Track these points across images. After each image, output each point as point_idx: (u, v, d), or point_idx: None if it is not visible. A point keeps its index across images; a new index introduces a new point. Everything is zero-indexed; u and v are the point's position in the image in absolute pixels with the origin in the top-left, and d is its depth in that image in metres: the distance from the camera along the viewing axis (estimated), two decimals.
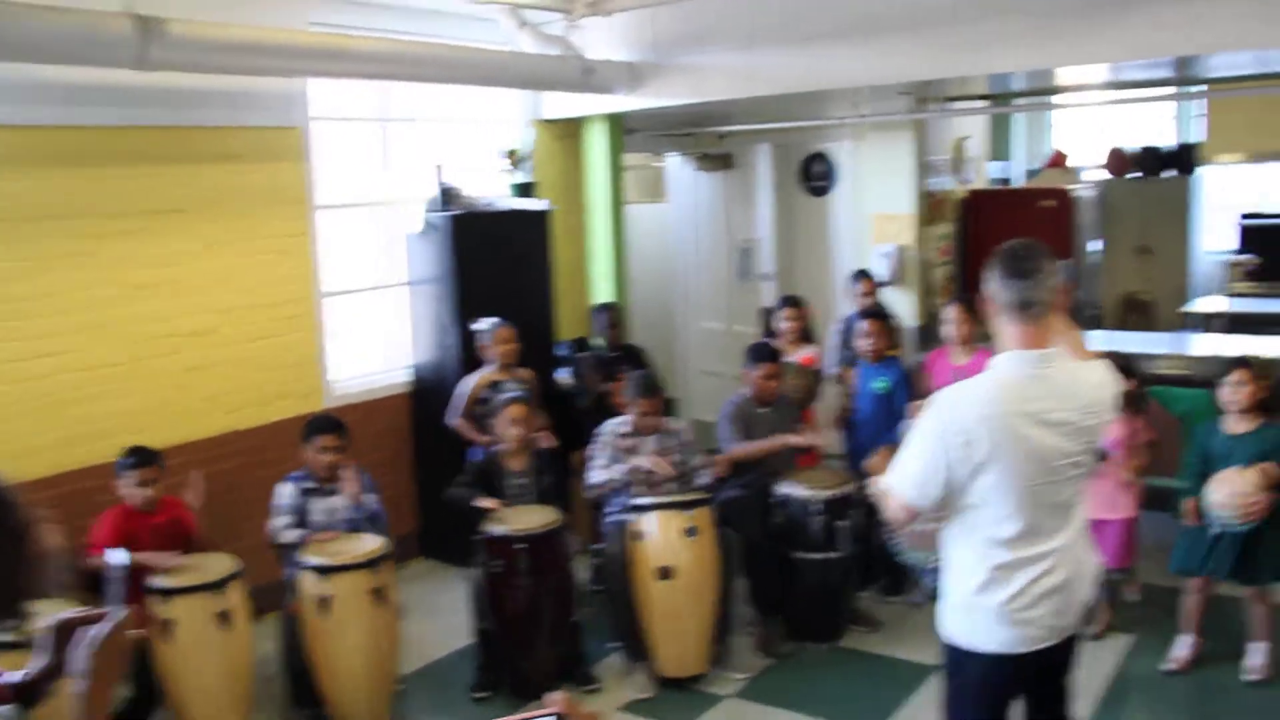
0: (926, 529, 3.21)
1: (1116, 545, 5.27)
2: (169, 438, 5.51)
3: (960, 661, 3.07)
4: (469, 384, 6.20)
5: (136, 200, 5.50)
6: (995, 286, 2.92)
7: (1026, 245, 2.94)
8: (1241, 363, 4.83)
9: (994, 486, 2.86)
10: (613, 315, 6.93)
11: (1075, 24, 5.49)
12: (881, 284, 7.85)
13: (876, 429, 5.76)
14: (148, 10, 4.69)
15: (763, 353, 5.80)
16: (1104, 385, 3.06)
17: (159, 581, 4.48)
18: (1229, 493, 4.64)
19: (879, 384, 5.94)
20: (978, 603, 2.97)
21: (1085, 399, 2.95)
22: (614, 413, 5.82)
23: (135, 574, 4.48)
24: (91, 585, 4.50)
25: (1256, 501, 4.58)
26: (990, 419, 2.83)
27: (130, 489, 4.73)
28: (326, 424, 5.15)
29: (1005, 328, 2.94)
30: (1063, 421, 2.88)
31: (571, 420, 6.61)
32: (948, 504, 2.96)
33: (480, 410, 6.06)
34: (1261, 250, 10.30)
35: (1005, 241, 3.00)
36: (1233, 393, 4.80)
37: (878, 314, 6.24)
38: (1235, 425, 4.82)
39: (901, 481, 2.99)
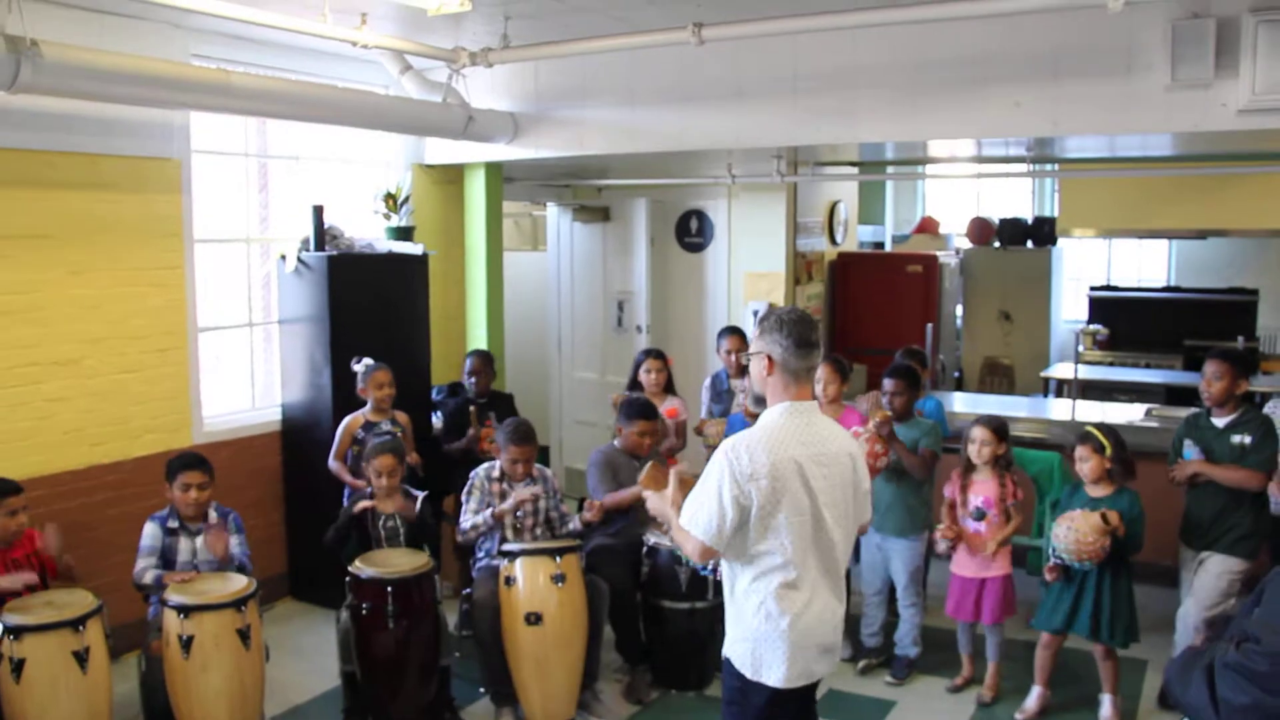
0: None
1: (995, 601, 5.38)
2: (28, 470, 5.34)
3: (744, 690, 3.33)
4: (343, 425, 6.17)
5: None
6: (784, 353, 3.29)
7: (808, 317, 3.38)
8: (1085, 438, 5.08)
9: (781, 523, 3.19)
10: (476, 362, 6.83)
11: (939, 100, 5.79)
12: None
13: None
14: (21, 32, 4.54)
15: (639, 410, 5.86)
16: (849, 440, 3.48)
17: (11, 619, 4.31)
18: (1068, 530, 4.88)
19: None
20: (765, 639, 3.26)
21: (838, 445, 3.36)
22: (480, 459, 5.82)
23: None
24: None
25: (1094, 543, 4.81)
26: (777, 461, 3.18)
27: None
28: (191, 461, 5.04)
29: (785, 385, 3.33)
30: (829, 460, 3.30)
31: (442, 465, 6.59)
32: (737, 544, 3.25)
33: (356, 451, 6.03)
34: (1108, 321, 10.85)
35: (780, 309, 3.45)
36: (1080, 465, 5.08)
37: None
38: (1093, 490, 5.08)
39: (696, 523, 3.25)
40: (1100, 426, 5.18)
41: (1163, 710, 5.26)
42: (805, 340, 3.29)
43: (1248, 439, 5.09)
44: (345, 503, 5.55)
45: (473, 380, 6.76)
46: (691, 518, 3.26)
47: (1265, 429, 5.10)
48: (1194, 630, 5.15)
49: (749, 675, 3.30)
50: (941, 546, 5.45)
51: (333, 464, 6.14)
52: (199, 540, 4.97)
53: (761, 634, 3.26)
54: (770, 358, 3.31)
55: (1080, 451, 5.06)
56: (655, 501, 3.51)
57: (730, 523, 3.18)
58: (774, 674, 3.27)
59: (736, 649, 3.35)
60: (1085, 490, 5.10)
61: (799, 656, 3.26)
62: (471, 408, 6.61)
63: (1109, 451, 5.02)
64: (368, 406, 6.18)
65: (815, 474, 3.24)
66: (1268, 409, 5.63)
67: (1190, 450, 5.28)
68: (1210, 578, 5.16)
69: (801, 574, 3.24)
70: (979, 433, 5.39)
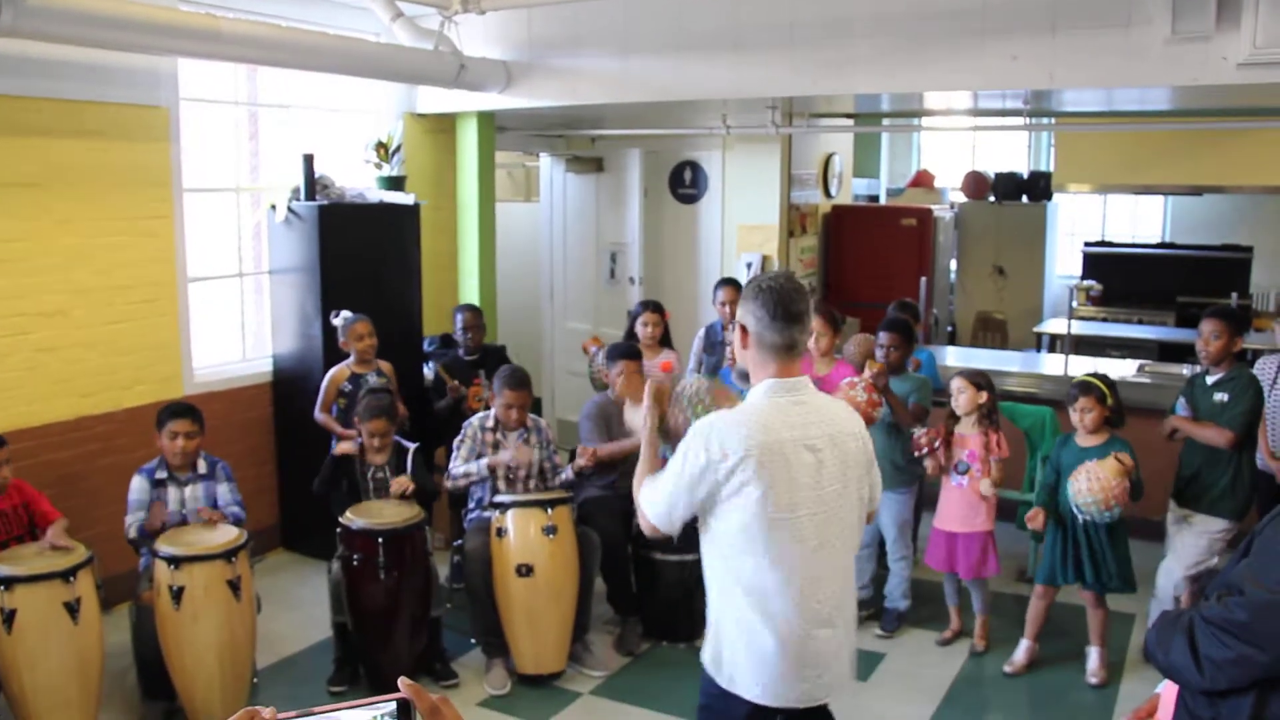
0: None
1: (972, 557, 5.40)
2: (17, 420, 5.33)
3: (721, 699, 2.95)
4: (328, 377, 6.15)
5: None
6: (761, 327, 2.86)
7: (795, 287, 2.90)
8: (1087, 389, 5.07)
9: (756, 515, 2.78)
10: (469, 318, 6.76)
11: (936, 52, 5.71)
12: None
13: None
14: None
15: (622, 351, 5.85)
16: (854, 419, 3.04)
17: (1, 569, 4.30)
18: (1089, 481, 4.85)
19: None
20: (742, 647, 2.87)
21: (835, 427, 2.92)
22: (467, 416, 5.79)
23: None
24: None
25: (1117, 487, 4.80)
26: (759, 445, 2.76)
27: None
28: (180, 410, 5.01)
29: (763, 362, 2.91)
30: (823, 446, 2.86)
31: (432, 416, 6.58)
32: (710, 534, 2.89)
33: (343, 404, 6.02)
34: (1102, 276, 10.83)
35: (765, 275, 2.95)
36: (1080, 417, 5.07)
37: None
38: (1084, 440, 5.08)
39: (652, 503, 2.93)
40: (1098, 376, 5.17)
41: (1148, 663, 5.29)
42: (785, 312, 2.83)
43: (1225, 397, 5.11)
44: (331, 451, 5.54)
45: (467, 335, 6.72)
46: (649, 495, 2.94)
47: (1242, 387, 5.10)
48: (1175, 587, 5.18)
49: (723, 685, 2.92)
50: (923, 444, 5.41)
51: (319, 416, 6.12)
52: (188, 490, 4.96)
53: (738, 647, 2.88)
54: (744, 328, 2.91)
55: (1084, 403, 5.04)
56: (629, 415, 3.13)
57: (684, 507, 2.85)
58: (752, 688, 2.87)
59: (707, 653, 2.99)
60: (1075, 441, 5.11)
61: (777, 671, 2.85)
62: (439, 366, 6.58)
63: (1110, 400, 5.03)
64: (351, 359, 6.15)
65: (804, 460, 2.80)
66: (1258, 367, 5.63)
67: (1181, 406, 5.30)
68: (1192, 536, 5.20)
69: (783, 576, 2.81)
70: (956, 382, 5.43)
